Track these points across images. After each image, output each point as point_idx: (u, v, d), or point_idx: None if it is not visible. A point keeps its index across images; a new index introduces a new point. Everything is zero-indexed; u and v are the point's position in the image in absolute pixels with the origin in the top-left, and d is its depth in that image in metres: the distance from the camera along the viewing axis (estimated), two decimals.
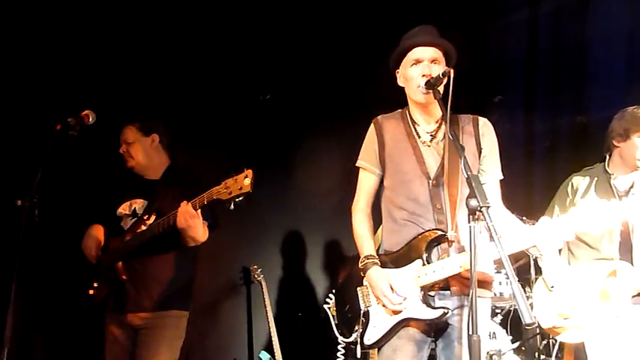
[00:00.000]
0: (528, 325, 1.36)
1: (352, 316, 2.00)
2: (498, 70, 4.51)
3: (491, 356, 3.34)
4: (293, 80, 3.88)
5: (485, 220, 1.45)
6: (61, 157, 2.14)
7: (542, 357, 3.70)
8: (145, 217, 2.41)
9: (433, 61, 1.92)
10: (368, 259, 1.94)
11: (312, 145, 3.91)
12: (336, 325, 2.09)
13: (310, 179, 3.88)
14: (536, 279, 2.86)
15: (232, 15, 3.61)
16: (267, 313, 3.50)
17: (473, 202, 1.47)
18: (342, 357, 3.18)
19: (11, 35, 2.98)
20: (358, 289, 2.01)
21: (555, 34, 4.20)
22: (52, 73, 3.07)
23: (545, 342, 3.82)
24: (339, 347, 3.17)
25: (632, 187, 2.47)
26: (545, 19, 4.19)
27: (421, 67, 1.91)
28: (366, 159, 2.07)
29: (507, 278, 3.10)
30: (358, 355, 1.98)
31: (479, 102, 4.25)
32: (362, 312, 1.96)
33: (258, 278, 3.56)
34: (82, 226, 2.57)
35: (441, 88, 1.85)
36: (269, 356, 3.44)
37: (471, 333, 1.41)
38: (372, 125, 2.09)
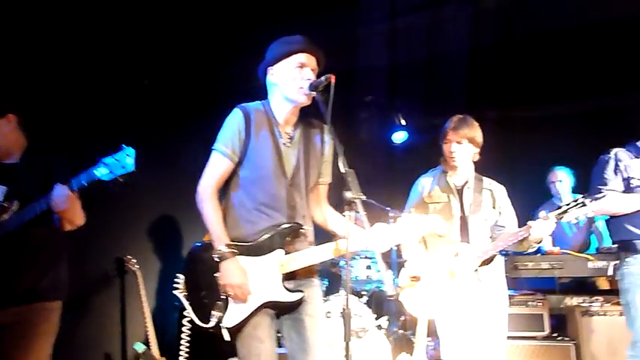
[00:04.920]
0: (390, 296, 1.62)
1: (209, 302, 2.05)
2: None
3: (357, 333, 3.71)
4: (173, 65, 3.83)
5: (358, 210, 1.69)
6: None
7: (401, 331, 4.16)
8: (7, 205, 2.26)
9: (313, 69, 2.11)
10: (227, 248, 2.01)
11: (193, 132, 3.90)
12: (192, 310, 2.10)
13: (190, 166, 3.86)
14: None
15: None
16: (142, 304, 3.45)
17: (348, 194, 1.70)
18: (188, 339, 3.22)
19: None
20: (217, 275, 2.05)
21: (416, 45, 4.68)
22: None
23: (403, 318, 4.30)
24: (184, 330, 3.20)
25: (466, 182, 2.90)
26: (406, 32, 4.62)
27: (305, 71, 2.09)
28: (229, 145, 2.09)
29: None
30: (228, 339, 2.04)
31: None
32: (223, 298, 2.04)
33: (133, 268, 3.49)
34: None
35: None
36: (144, 347, 3.40)
37: (345, 308, 1.66)
38: (239, 112, 2.12)
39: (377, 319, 3.94)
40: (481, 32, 4.21)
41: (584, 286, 3.84)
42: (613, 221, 2.80)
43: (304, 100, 2.10)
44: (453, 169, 2.90)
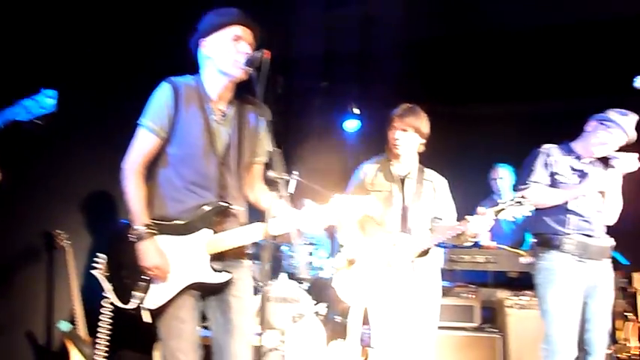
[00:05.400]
0: (304, 279, 1.60)
1: (131, 281, 2.00)
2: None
3: (293, 318, 3.71)
4: (114, 38, 3.65)
5: (281, 191, 1.66)
6: None
7: (339, 318, 4.20)
8: None
9: (250, 44, 2.05)
10: (145, 228, 1.95)
11: (133, 106, 3.73)
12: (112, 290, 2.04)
13: (129, 140, 3.70)
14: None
15: None
16: (70, 282, 3.30)
17: (271, 174, 1.67)
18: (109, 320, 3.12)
19: None
20: None
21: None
22: None
23: (343, 306, 4.33)
24: (104, 312, 3.11)
25: (409, 172, 2.91)
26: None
27: (241, 44, 2.01)
28: (157, 121, 2.02)
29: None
30: (149, 320, 2.00)
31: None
32: (145, 278, 1.99)
33: (62, 244, 3.33)
34: None
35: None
36: (70, 325, 3.26)
37: (262, 284, 1.63)
38: (167, 86, 2.03)
39: (316, 305, 3.96)
40: (436, 26, 4.26)
41: (517, 281, 3.97)
42: (534, 214, 2.89)
43: (239, 75, 2.02)
44: (396, 158, 2.89)
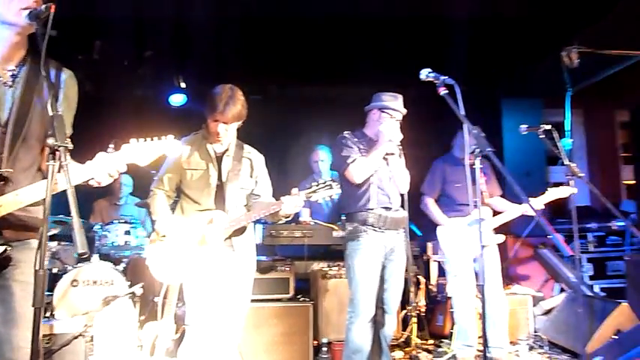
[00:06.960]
0: (81, 254, 1.50)
1: None
2: None
3: (106, 300, 3.51)
4: None
5: (60, 158, 1.51)
6: None
7: (157, 299, 4.08)
8: None
9: None
10: None
11: None
12: None
13: None
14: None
15: None
16: None
17: (51, 141, 1.51)
18: None
19: None
20: None
21: None
22: None
23: (164, 287, 4.21)
24: None
25: (227, 150, 2.93)
26: None
27: None
28: None
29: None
30: None
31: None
32: None
33: None
34: None
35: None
36: None
37: (37, 268, 1.47)
38: None
39: (131, 286, 3.78)
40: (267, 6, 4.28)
41: (330, 253, 4.27)
42: (342, 195, 3.14)
43: (24, 24, 1.76)
44: (215, 142, 2.89)
